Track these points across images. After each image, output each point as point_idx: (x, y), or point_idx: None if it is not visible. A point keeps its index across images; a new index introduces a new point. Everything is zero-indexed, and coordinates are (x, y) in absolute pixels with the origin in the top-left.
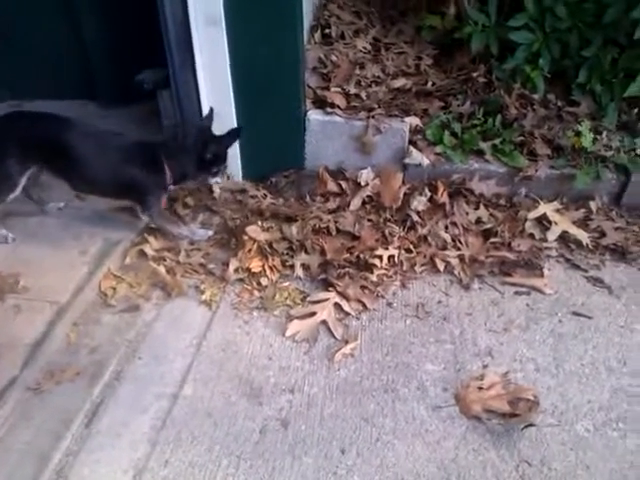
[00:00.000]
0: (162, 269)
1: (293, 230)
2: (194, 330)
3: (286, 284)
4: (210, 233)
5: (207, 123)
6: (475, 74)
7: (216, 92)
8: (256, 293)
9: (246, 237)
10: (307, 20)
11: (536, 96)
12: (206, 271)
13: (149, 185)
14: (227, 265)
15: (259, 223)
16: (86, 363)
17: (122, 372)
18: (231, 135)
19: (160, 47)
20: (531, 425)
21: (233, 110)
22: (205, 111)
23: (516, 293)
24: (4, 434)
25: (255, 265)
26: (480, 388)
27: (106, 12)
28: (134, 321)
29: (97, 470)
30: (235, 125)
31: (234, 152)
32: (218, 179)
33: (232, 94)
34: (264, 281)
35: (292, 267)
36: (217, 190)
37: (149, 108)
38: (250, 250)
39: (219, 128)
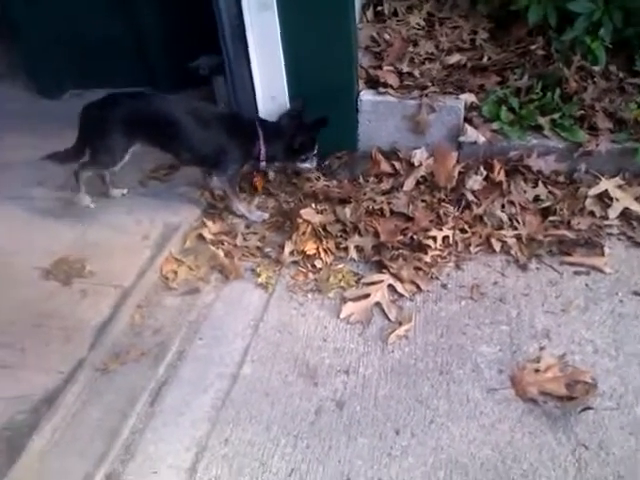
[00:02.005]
0: (220, 252)
1: (346, 212)
2: (251, 312)
3: (340, 266)
4: (266, 216)
5: (298, 113)
6: (533, 47)
7: (270, 76)
8: (311, 275)
9: (300, 220)
10: None
11: (597, 68)
12: (262, 254)
13: (238, 153)
14: (282, 248)
15: (313, 205)
16: (150, 344)
17: (184, 352)
18: (317, 124)
19: (215, 34)
20: (589, 408)
21: (286, 93)
22: (259, 96)
23: (575, 273)
24: (77, 410)
25: (310, 248)
26: (536, 370)
27: (161, 0)
28: (194, 303)
29: (161, 447)
30: (288, 107)
31: None
32: (308, 164)
33: (285, 77)
34: (318, 263)
35: (346, 249)
36: (272, 173)
37: (205, 93)
38: (304, 233)
39: (275, 111)
